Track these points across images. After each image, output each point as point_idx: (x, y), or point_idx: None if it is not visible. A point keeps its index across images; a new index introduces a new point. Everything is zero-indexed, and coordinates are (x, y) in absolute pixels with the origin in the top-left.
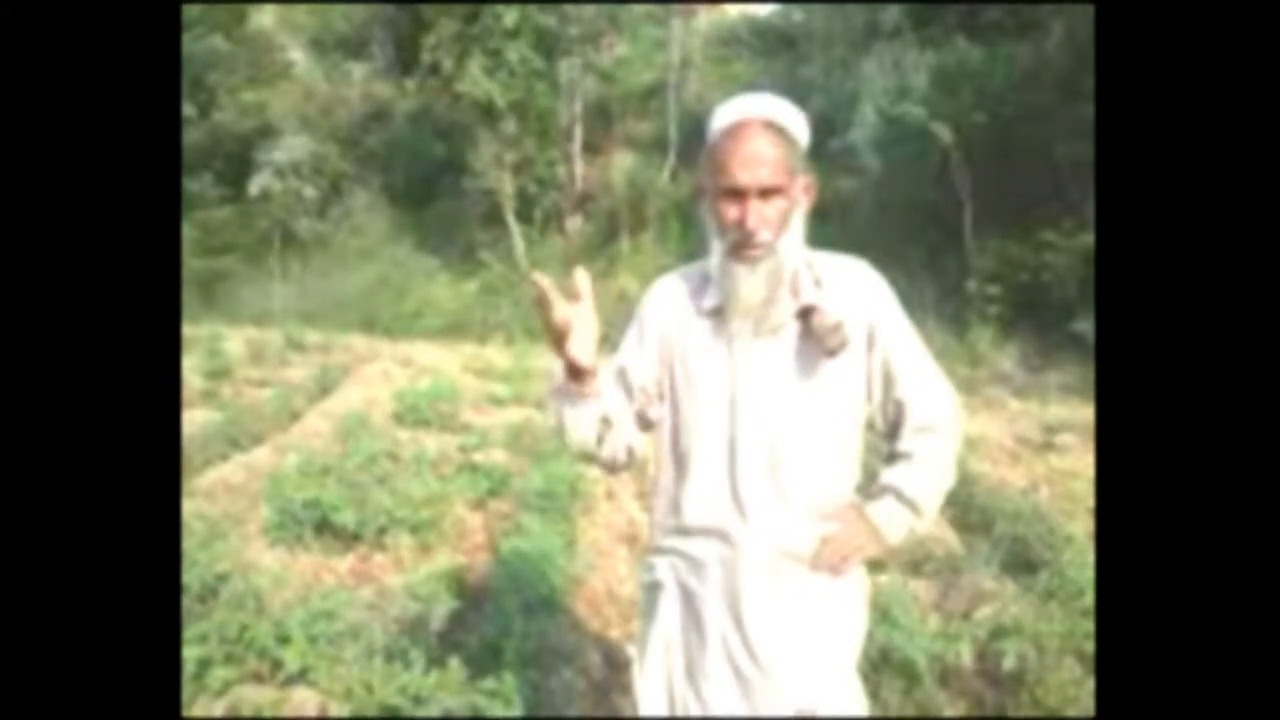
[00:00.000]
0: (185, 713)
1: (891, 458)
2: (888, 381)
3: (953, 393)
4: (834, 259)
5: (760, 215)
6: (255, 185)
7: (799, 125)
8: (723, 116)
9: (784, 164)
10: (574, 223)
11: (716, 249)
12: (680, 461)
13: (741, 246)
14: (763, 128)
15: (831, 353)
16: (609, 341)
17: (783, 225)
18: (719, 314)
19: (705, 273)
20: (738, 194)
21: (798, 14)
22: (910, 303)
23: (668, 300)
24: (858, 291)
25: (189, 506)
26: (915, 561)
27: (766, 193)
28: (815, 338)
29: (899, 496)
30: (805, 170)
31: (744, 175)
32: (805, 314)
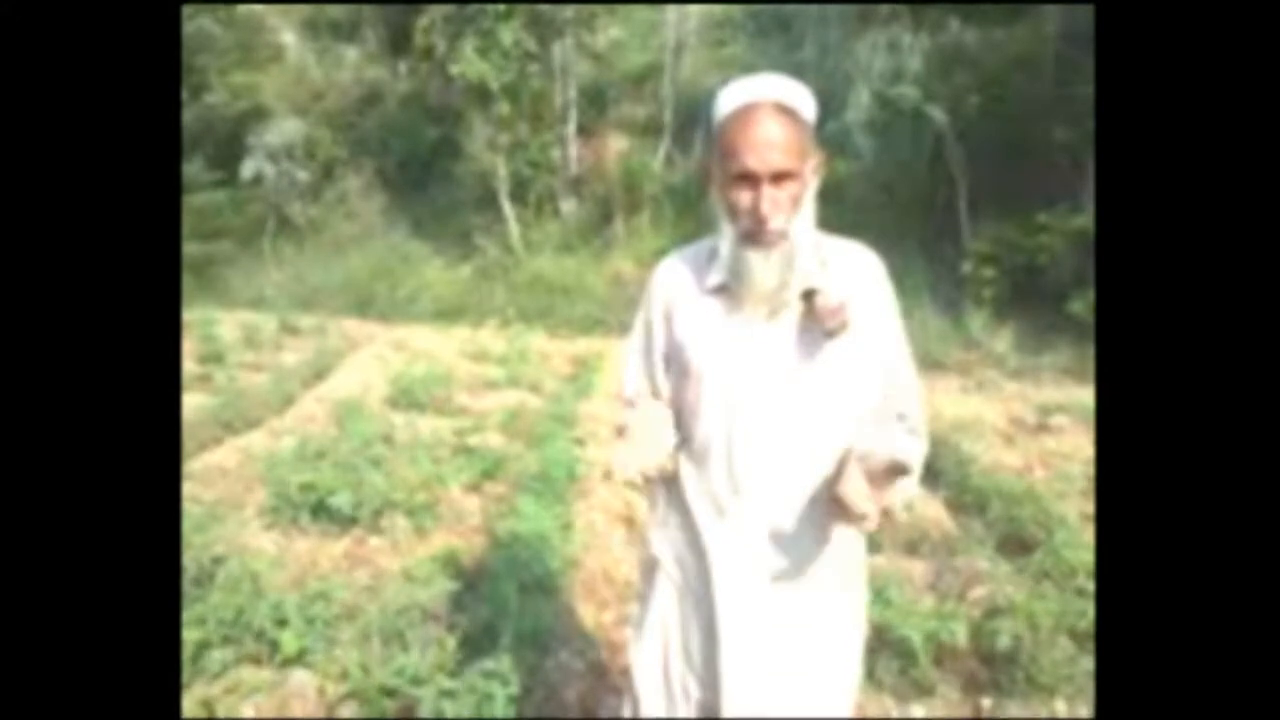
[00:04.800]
0: (184, 694)
1: (879, 431)
2: (885, 378)
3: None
4: (841, 242)
5: (773, 201)
6: (248, 169)
7: (808, 105)
8: (730, 100)
9: (796, 147)
10: (568, 205)
11: (728, 234)
12: (680, 437)
13: (755, 233)
14: (774, 110)
15: (832, 334)
16: (604, 325)
17: (795, 208)
18: (722, 292)
19: (709, 250)
20: (750, 180)
21: None
22: (905, 285)
23: (671, 281)
24: (863, 279)
25: (184, 490)
26: (910, 542)
27: (779, 177)
28: (817, 319)
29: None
30: (814, 149)
31: (756, 161)
32: (808, 295)
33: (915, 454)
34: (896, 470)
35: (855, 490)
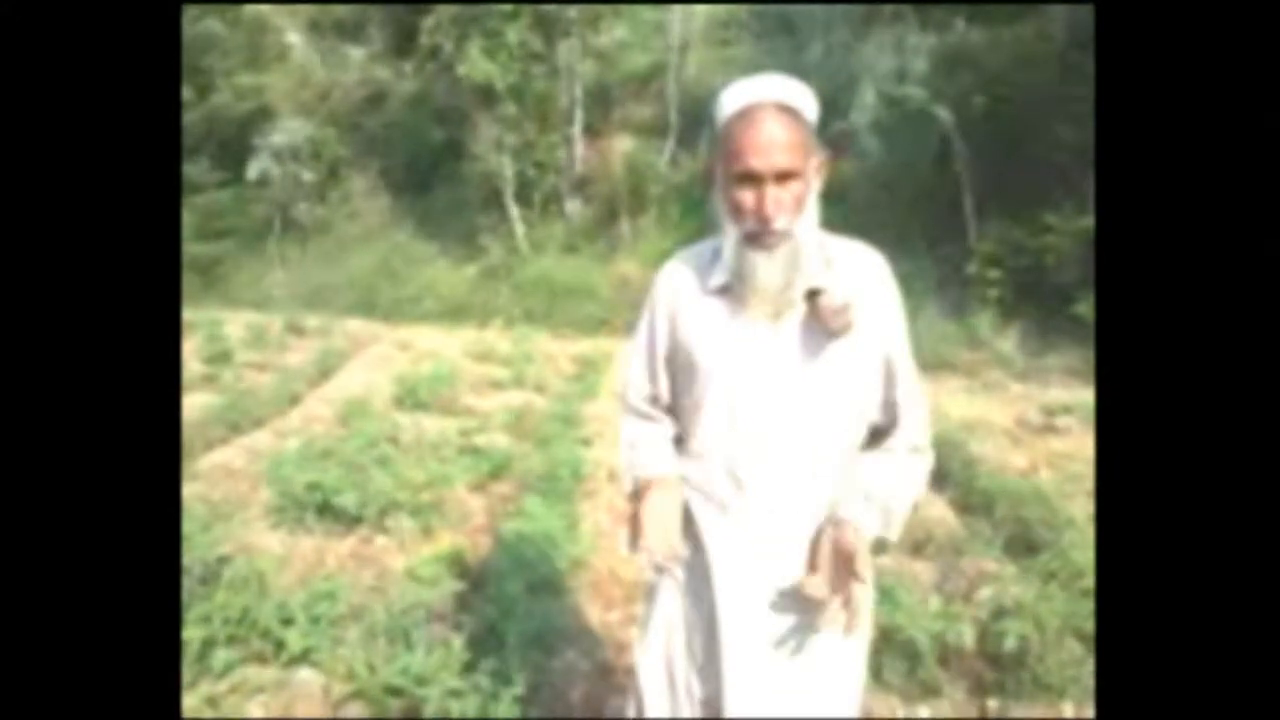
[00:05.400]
0: (188, 693)
1: (873, 461)
2: (887, 381)
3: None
4: (847, 243)
5: (776, 201)
6: (253, 169)
7: (809, 104)
8: (733, 100)
9: (799, 147)
10: (573, 206)
11: (731, 234)
12: (683, 437)
13: (759, 233)
14: (776, 111)
15: (835, 335)
16: (609, 325)
17: (798, 208)
18: (726, 292)
19: (712, 251)
20: (753, 180)
21: None
22: (911, 286)
23: (674, 282)
24: (868, 281)
25: (190, 490)
26: (917, 543)
27: (782, 177)
28: (821, 319)
29: (878, 502)
30: (817, 149)
31: (759, 161)
32: (812, 295)
33: (917, 483)
34: (859, 569)
35: (822, 568)
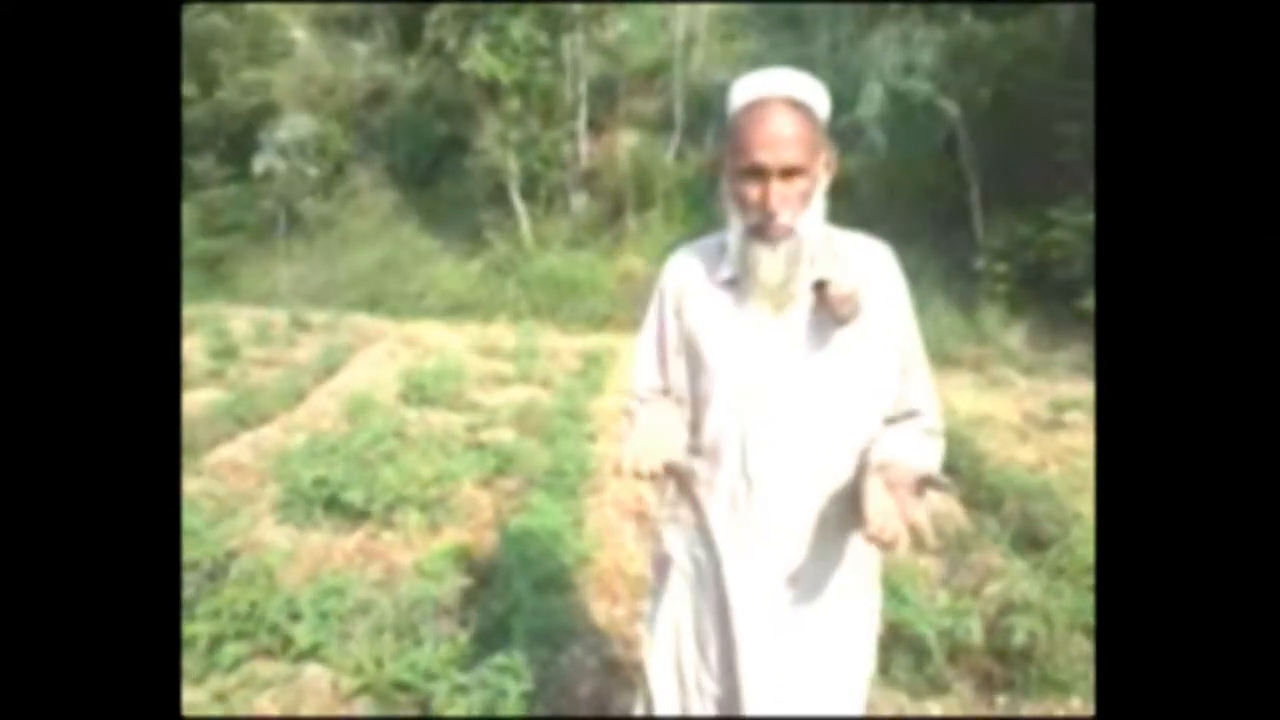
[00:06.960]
0: (197, 688)
1: (893, 432)
2: (901, 372)
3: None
4: (854, 236)
5: (781, 196)
6: (259, 165)
7: (820, 100)
8: (742, 93)
9: (806, 142)
10: (579, 201)
11: (736, 227)
12: (692, 431)
13: (762, 227)
14: (785, 105)
15: (842, 321)
16: (614, 320)
17: (804, 204)
18: (733, 285)
19: (720, 244)
20: (759, 174)
21: None
22: (918, 281)
23: (682, 274)
24: (875, 271)
25: (197, 485)
26: None
27: (788, 173)
28: (828, 308)
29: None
30: (826, 145)
31: (766, 155)
32: (819, 286)
33: (934, 458)
34: (924, 484)
35: (880, 511)
